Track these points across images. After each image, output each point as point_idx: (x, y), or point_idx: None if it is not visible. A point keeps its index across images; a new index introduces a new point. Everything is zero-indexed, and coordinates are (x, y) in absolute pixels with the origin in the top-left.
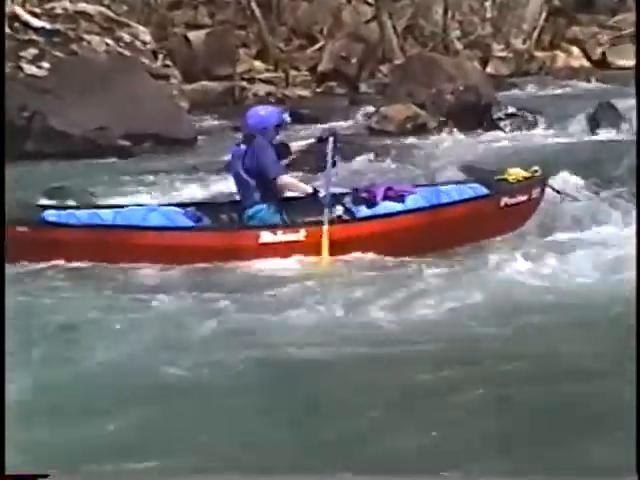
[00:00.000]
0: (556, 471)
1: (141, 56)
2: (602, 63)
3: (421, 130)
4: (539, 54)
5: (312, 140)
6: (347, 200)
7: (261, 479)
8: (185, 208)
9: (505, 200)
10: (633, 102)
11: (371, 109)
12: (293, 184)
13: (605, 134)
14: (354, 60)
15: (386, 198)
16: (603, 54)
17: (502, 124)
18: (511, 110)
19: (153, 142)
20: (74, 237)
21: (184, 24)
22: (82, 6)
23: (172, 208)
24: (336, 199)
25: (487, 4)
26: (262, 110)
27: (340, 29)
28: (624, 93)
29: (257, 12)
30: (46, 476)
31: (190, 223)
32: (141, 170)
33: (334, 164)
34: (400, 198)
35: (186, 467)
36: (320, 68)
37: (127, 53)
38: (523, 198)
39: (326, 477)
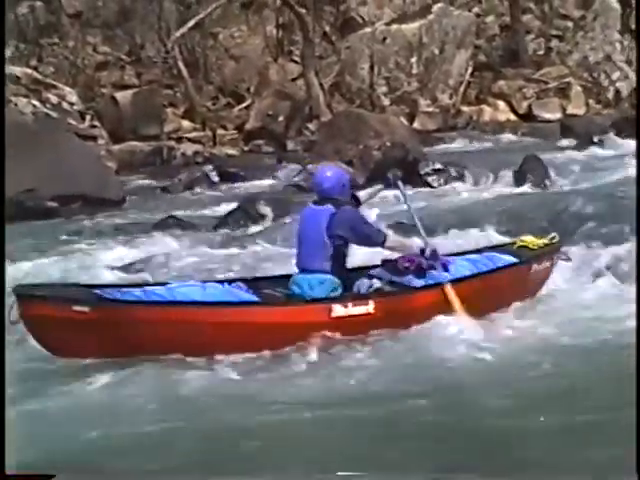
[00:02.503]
0: None
1: (68, 117)
2: (528, 116)
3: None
4: (466, 109)
5: (380, 186)
6: (378, 271)
7: None
8: (225, 283)
9: (535, 267)
10: (559, 155)
11: (298, 167)
12: (401, 243)
13: (531, 187)
14: (281, 118)
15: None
16: (529, 107)
17: (430, 179)
18: (439, 165)
19: (81, 203)
20: (156, 317)
21: (111, 84)
22: (9, 68)
23: (214, 284)
24: (361, 272)
25: (413, 60)
26: (329, 171)
27: (267, 87)
28: (550, 146)
29: (184, 71)
30: (46, 476)
31: (254, 297)
32: (70, 231)
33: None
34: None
35: None
36: (247, 126)
37: (54, 114)
38: (547, 264)
39: None
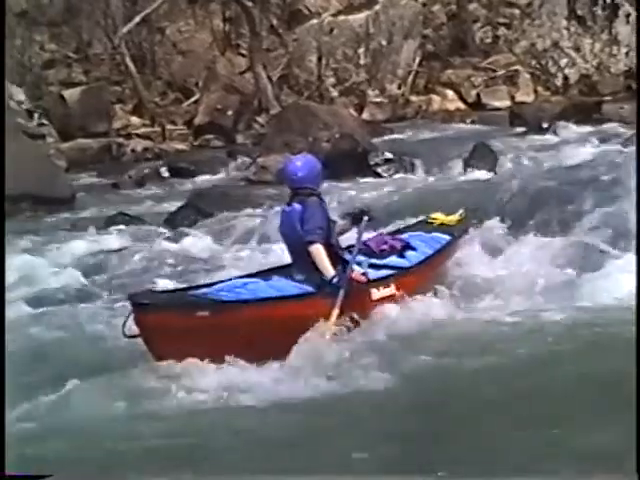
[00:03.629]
0: None
1: (16, 116)
2: (477, 105)
3: None
4: (414, 98)
5: (346, 222)
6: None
7: None
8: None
9: (462, 240)
10: (508, 141)
11: (248, 160)
12: (321, 259)
13: (482, 174)
14: (230, 112)
15: (382, 252)
16: (478, 96)
17: (380, 170)
18: (388, 155)
19: (31, 202)
20: (276, 314)
21: (59, 82)
22: None
23: (255, 280)
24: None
25: (361, 51)
26: (298, 161)
27: (215, 81)
28: (498, 133)
29: (132, 67)
30: (47, 477)
31: (301, 289)
32: (21, 230)
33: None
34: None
35: None
36: (196, 121)
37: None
38: (467, 237)
39: None
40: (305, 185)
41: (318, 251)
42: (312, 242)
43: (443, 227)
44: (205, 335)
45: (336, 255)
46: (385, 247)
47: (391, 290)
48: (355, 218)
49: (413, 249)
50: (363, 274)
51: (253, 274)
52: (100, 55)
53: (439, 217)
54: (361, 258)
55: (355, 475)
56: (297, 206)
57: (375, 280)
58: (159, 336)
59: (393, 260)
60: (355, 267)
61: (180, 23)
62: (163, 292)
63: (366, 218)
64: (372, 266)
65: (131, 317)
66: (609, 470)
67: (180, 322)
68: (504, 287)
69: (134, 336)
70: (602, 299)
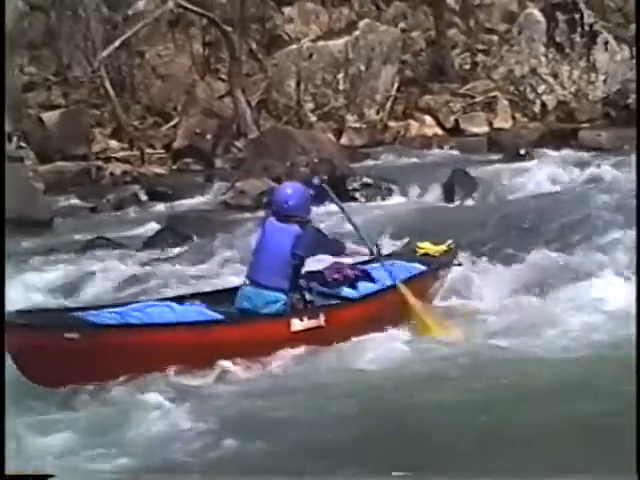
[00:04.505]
0: None
1: None
2: (455, 130)
3: None
4: (393, 124)
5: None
6: (307, 283)
7: None
8: (181, 302)
9: (442, 272)
10: (487, 168)
11: (226, 184)
12: (355, 250)
13: (460, 201)
14: (209, 136)
15: (335, 280)
16: (456, 122)
17: (358, 194)
18: (366, 180)
19: (9, 225)
20: (147, 339)
21: (38, 105)
22: None
23: (168, 303)
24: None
25: (340, 76)
26: (289, 188)
27: (194, 105)
28: (476, 160)
29: (111, 91)
30: (47, 477)
31: (219, 316)
32: None
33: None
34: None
35: None
36: (175, 145)
37: None
38: (449, 269)
39: None
40: (295, 213)
41: (351, 249)
42: (343, 249)
43: (426, 257)
44: (76, 358)
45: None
46: (338, 276)
47: (318, 322)
48: (371, 251)
49: (372, 280)
50: (308, 302)
51: (177, 297)
52: (79, 78)
53: (426, 247)
54: (313, 284)
55: None
56: (295, 227)
57: (299, 311)
58: (27, 356)
59: (342, 290)
60: (305, 294)
61: (160, 47)
62: (42, 313)
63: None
64: (321, 295)
65: None
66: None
67: (48, 343)
68: None
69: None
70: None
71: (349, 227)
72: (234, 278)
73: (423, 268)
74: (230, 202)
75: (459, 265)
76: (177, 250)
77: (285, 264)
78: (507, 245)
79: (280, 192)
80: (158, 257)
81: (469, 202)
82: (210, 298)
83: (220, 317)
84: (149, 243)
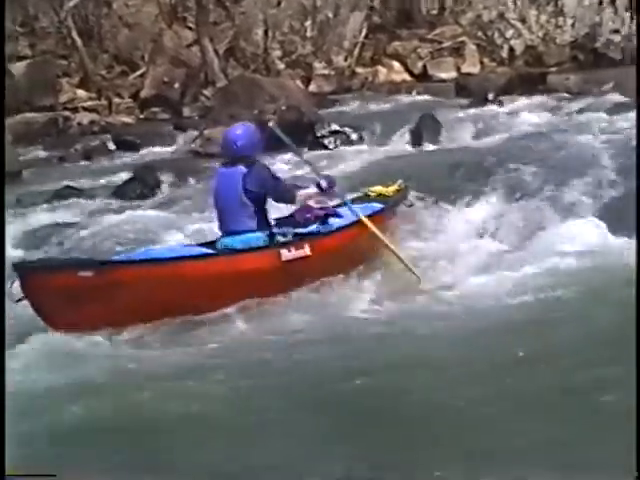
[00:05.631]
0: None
1: None
2: (424, 76)
3: None
4: (361, 70)
5: (314, 190)
6: (280, 228)
7: None
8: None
9: (397, 209)
10: (455, 113)
11: (195, 133)
12: (309, 194)
13: (428, 145)
14: (176, 85)
15: (306, 220)
16: (424, 67)
17: (326, 141)
18: (334, 127)
19: None
20: (160, 274)
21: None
22: None
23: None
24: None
25: (307, 23)
26: (239, 129)
27: (161, 54)
28: (444, 105)
29: (78, 41)
30: (47, 476)
31: (209, 250)
32: None
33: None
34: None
35: None
36: (143, 94)
37: None
38: (404, 208)
39: None
40: (246, 153)
41: (304, 195)
42: (294, 197)
43: (381, 198)
44: (91, 297)
45: (264, 217)
46: (309, 216)
47: (305, 251)
48: (319, 186)
49: (339, 217)
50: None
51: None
52: (46, 29)
53: (377, 189)
54: (286, 229)
55: None
56: (241, 168)
57: (285, 242)
58: (44, 297)
59: (315, 227)
60: (279, 238)
61: None
62: (50, 258)
63: (327, 186)
64: (296, 236)
65: (16, 283)
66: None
67: (63, 282)
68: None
69: (20, 299)
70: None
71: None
72: (203, 225)
73: (380, 206)
74: (198, 150)
75: (410, 206)
76: (146, 199)
77: (243, 204)
78: (469, 189)
79: (229, 133)
80: (127, 206)
81: (437, 146)
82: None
83: (214, 252)
84: (118, 192)
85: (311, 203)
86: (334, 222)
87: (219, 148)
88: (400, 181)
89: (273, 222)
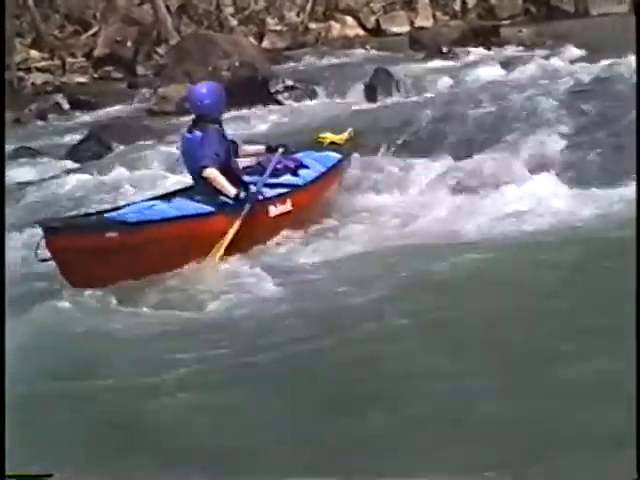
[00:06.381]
0: None
1: None
2: (377, 31)
3: None
4: (314, 26)
5: (262, 147)
6: (250, 177)
7: None
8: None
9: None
10: (409, 67)
11: (149, 91)
12: (218, 181)
13: (383, 100)
14: (129, 43)
15: (277, 170)
16: (377, 22)
17: (280, 97)
18: (289, 83)
19: None
20: (180, 232)
21: None
22: None
23: (158, 202)
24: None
25: None
26: (204, 88)
27: (114, 13)
28: (398, 59)
29: (29, 0)
30: (47, 476)
31: (201, 209)
32: None
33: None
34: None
35: None
36: (96, 53)
37: None
38: (356, 155)
39: None
40: (209, 112)
41: (213, 174)
42: (205, 167)
43: (333, 146)
44: (115, 256)
45: (235, 177)
46: (279, 166)
47: (287, 207)
48: (270, 148)
49: (306, 167)
50: (259, 193)
51: (157, 197)
52: None
53: (328, 136)
54: (255, 178)
55: None
56: (198, 133)
57: (271, 197)
58: (70, 258)
59: (287, 179)
60: (251, 187)
61: None
62: (73, 217)
63: (281, 149)
64: (267, 185)
65: (43, 242)
66: None
67: (90, 243)
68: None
69: (46, 259)
70: None
71: None
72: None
73: (339, 155)
74: (153, 108)
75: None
76: (102, 158)
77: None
78: (425, 142)
79: (195, 91)
80: (83, 166)
81: (391, 100)
82: (185, 194)
83: (212, 209)
84: (73, 152)
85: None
86: (303, 174)
87: (174, 106)
88: (350, 129)
89: (243, 171)
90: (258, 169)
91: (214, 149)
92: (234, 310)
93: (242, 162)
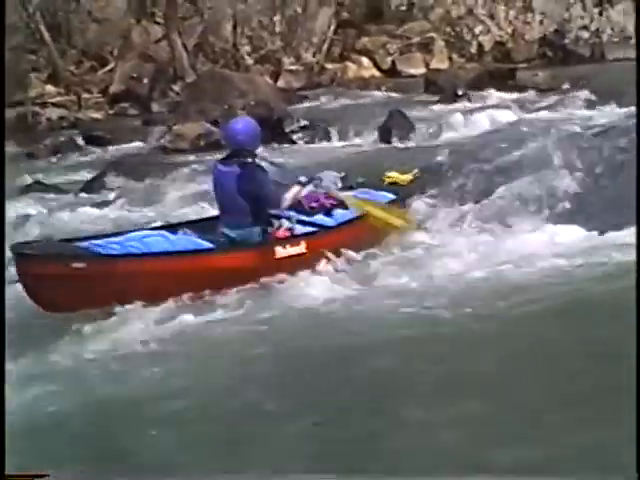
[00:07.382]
0: None
1: None
2: (392, 72)
3: (214, 147)
4: (330, 66)
5: (296, 189)
6: (286, 212)
7: None
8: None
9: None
10: (424, 109)
11: (164, 128)
12: (292, 197)
13: (398, 142)
14: (145, 80)
15: (312, 209)
16: (393, 63)
17: (295, 137)
18: (303, 123)
19: None
20: (150, 268)
21: None
22: None
23: (162, 232)
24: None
25: (276, 19)
26: (239, 123)
27: (130, 49)
28: (414, 101)
29: (46, 36)
30: (46, 476)
31: (208, 244)
32: None
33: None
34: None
35: None
36: (112, 89)
37: None
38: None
39: None
40: (246, 146)
41: (289, 196)
42: (279, 205)
43: (393, 186)
44: (81, 284)
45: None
46: (315, 204)
47: (300, 249)
48: (300, 182)
49: (346, 208)
50: (289, 229)
51: (170, 224)
52: (15, 24)
53: (393, 176)
54: (291, 213)
55: None
56: (236, 168)
57: (281, 238)
58: (36, 283)
59: (319, 218)
60: (284, 222)
61: None
62: (47, 244)
63: (311, 185)
64: (300, 222)
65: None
66: None
67: (55, 271)
68: None
69: (15, 281)
70: None
71: None
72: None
73: (392, 196)
74: (168, 146)
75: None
76: (115, 194)
77: (239, 204)
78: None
79: (230, 127)
80: (97, 201)
81: (406, 143)
82: (198, 227)
83: (211, 246)
84: (87, 188)
85: (301, 198)
86: (338, 213)
87: (188, 143)
88: (415, 170)
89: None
90: (296, 205)
91: (271, 187)
92: None
93: None
